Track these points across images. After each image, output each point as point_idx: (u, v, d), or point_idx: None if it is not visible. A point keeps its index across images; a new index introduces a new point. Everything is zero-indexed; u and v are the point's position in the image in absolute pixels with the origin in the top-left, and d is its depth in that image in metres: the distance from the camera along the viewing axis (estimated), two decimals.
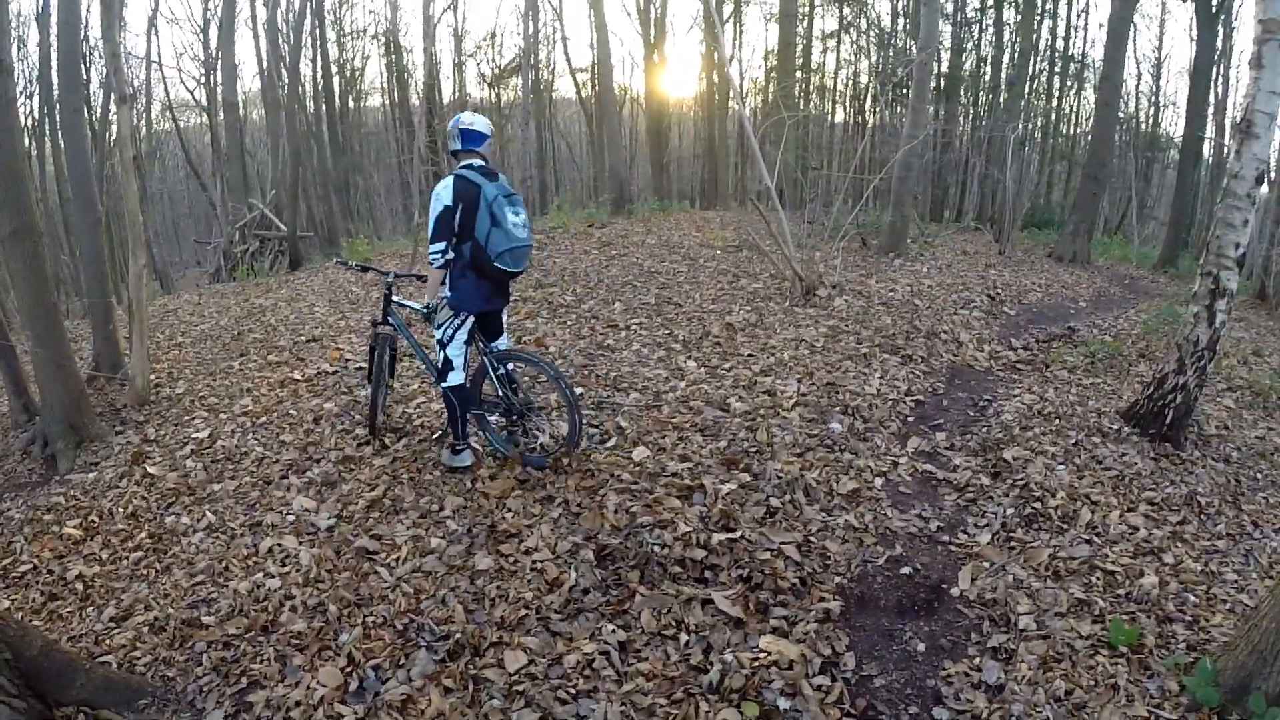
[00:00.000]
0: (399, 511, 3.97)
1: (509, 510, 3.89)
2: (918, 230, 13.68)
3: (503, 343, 4.34)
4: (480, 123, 4.03)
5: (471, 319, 4.13)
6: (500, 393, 4.25)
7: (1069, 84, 24.84)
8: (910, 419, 5.30)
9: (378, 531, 3.81)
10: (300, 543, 3.80)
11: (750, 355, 6.08)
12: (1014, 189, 13.84)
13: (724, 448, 4.46)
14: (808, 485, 4.18)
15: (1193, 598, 3.38)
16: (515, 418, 4.33)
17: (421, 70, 22.38)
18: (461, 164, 3.97)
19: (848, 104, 29.60)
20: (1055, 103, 24.75)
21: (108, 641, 3.29)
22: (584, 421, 4.17)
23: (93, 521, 4.42)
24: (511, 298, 4.48)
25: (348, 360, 6.26)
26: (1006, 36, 22.12)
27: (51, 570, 3.99)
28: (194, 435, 5.27)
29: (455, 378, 4.17)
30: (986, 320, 7.89)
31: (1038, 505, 4.10)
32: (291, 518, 4.03)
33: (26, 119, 20.29)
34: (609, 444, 4.49)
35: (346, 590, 3.39)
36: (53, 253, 17.95)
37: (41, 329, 5.25)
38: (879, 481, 4.36)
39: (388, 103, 31.65)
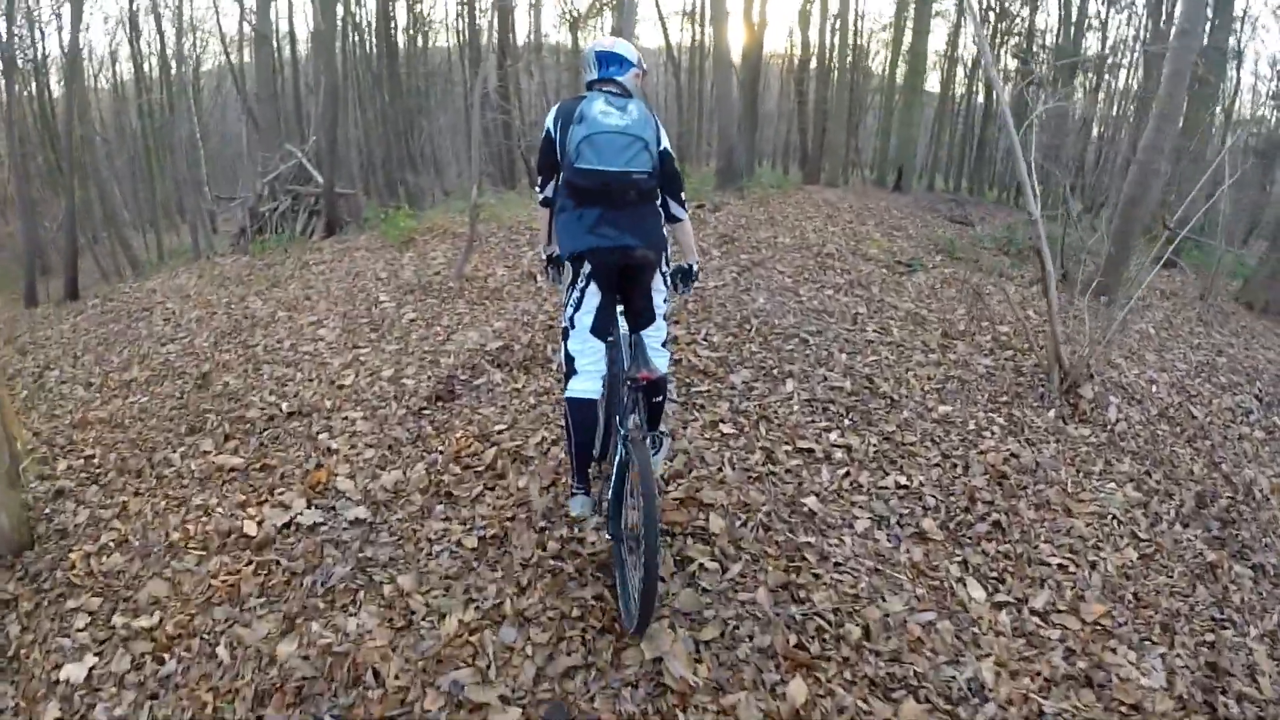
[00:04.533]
0: None
1: None
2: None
3: (656, 339, 3.11)
4: (622, 46, 3.02)
5: (597, 291, 2.91)
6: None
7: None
8: None
9: None
10: None
11: (1061, 565, 3.33)
12: (1229, 216, 10.41)
13: None
14: None
15: None
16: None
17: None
18: None
19: (943, 72, 26.21)
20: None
21: None
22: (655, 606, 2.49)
23: None
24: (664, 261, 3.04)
25: (339, 491, 3.56)
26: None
27: None
28: (62, 676, 2.74)
29: (576, 385, 2.97)
30: (1267, 442, 5.22)
31: None
32: None
33: None
34: None
35: None
36: None
37: None
38: None
39: (456, 42, 29.02)
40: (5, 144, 19.03)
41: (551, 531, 3.15)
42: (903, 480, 3.73)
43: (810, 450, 3.88)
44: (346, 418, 4.31)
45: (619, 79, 2.98)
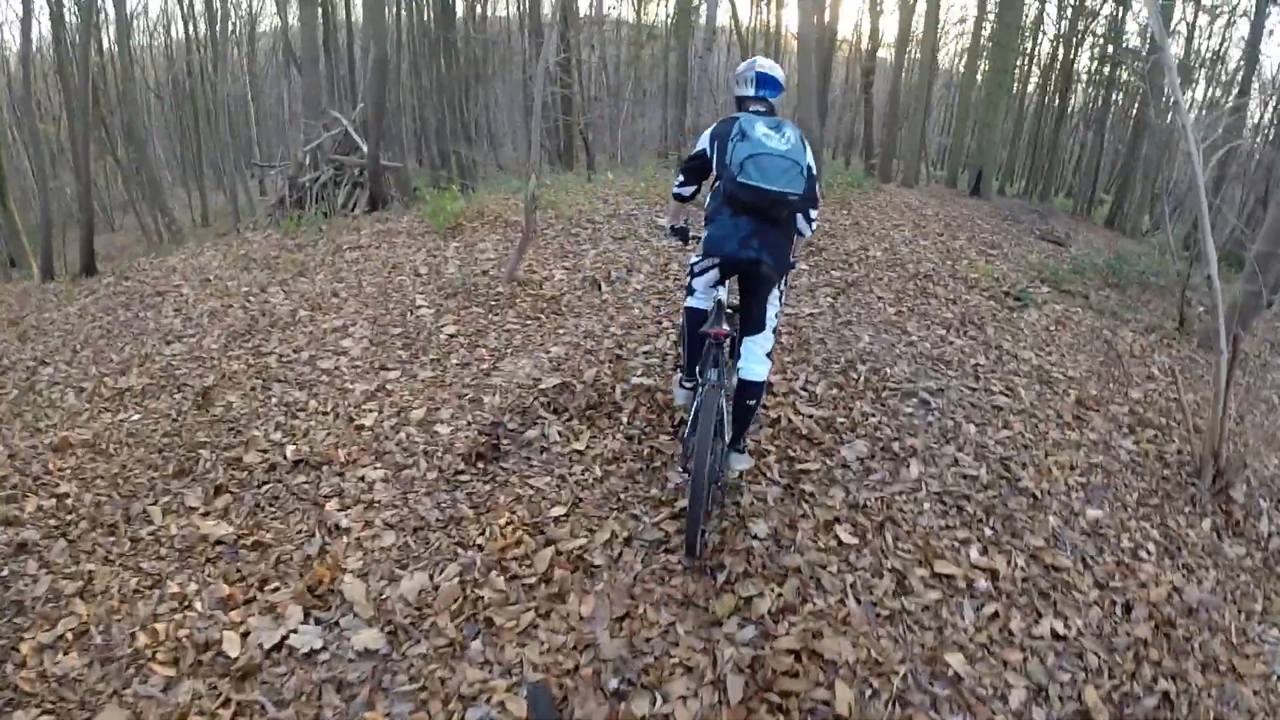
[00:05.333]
0: None
1: None
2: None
3: (762, 349, 3.20)
4: (779, 72, 3.36)
5: (717, 274, 3.26)
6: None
7: None
8: None
9: None
10: None
11: None
12: None
13: None
14: None
15: None
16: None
17: None
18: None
19: (1035, 74, 24.73)
20: None
21: None
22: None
23: None
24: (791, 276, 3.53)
25: (345, 599, 2.74)
26: None
27: None
28: None
29: (693, 301, 3.43)
30: None
31: None
32: None
33: None
34: None
35: None
36: None
37: None
38: None
39: (516, 11, 28.20)
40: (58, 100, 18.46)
41: (629, 704, 2.30)
42: (1059, 627, 2.84)
43: (949, 576, 2.97)
44: (363, 478, 3.49)
45: (771, 101, 3.35)
